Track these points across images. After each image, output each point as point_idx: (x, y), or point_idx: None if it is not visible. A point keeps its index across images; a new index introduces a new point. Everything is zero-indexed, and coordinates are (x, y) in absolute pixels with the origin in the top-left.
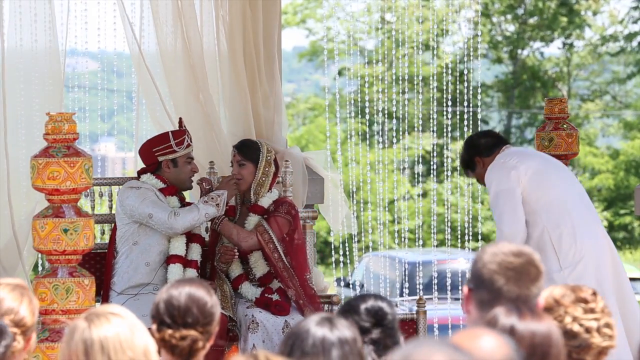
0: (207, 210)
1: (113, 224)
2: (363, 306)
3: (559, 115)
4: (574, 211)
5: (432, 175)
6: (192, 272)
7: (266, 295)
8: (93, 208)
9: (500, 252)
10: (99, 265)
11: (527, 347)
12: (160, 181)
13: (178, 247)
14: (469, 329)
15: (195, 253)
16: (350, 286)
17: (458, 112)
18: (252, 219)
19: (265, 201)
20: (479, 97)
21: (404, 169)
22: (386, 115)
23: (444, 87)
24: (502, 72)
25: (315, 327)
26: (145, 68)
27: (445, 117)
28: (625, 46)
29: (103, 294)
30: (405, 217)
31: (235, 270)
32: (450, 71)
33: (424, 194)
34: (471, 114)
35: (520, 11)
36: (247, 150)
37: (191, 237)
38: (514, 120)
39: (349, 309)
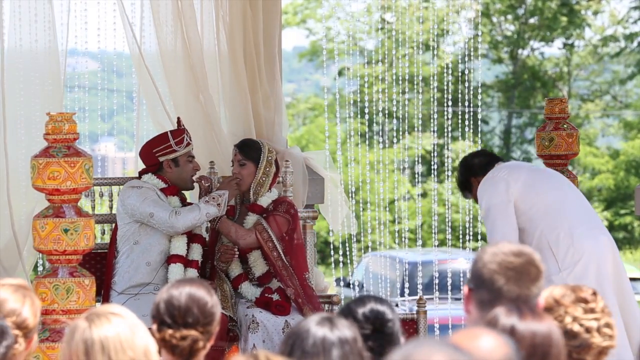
0: (208, 210)
1: (114, 224)
2: (362, 311)
3: (559, 115)
4: (570, 213)
5: (432, 175)
6: (193, 272)
7: (266, 295)
8: (93, 208)
9: (500, 252)
10: (100, 265)
11: (527, 347)
12: (161, 181)
13: (179, 247)
14: (468, 329)
15: (196, 253)
16: (350, 286)
17: (460, 113)
18: (251, 218)
19: (265, 200)
20: (479, 97)
21: (404, 169)
22: (386, 115)
23: (445, 87)
24: (502, 72)
25: (315, 326)
26: (145, 68)
27: (445, 117)
28: (625, 46)
29: (104, 293)
30: (406, 217)
31: (235, 270)
32: (450, 71)
33: (424, 194)
34: (471, 114)
35: (520, 11)
36: (248, 150)
37: (192, 237)
38: (514, 120)
39: (348, 314)
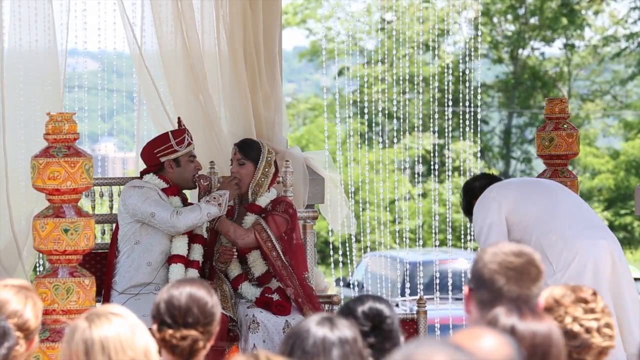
0: (209, 210)
1: (115, 224)
2: (361, 309)
3: (560, 115)
4: (562, 216)
5: (432, 175)
6: (193, 273)
7: (266, 295)
8: (93, 208)
9: (500, 252)
10: (100, 265)
11: (527, 347)
12: (162, 181)
13: (180, 247)
14: (470, 329)
15: (197, 254)
16: (350, 286)
17: (461, 113)
18: (250, 218)
19: (263, 200)
20: (479, 97)
21: (404, 169)
22: (386, 116)
23: (445, 87)
24: (502, 72)
25: (315, 326)
26: (145, 68)
27: (445, 117)
28: (626, 46)
29: (104, 293)
30: (406, 217)
31: (234, 270)
32: (451, 71)
33: (424, 194)
34: (472, 114)
35: (521, 11)
36: (248, 150)
37: (193, 237)
38: (515, 120)
39: (348, 312)
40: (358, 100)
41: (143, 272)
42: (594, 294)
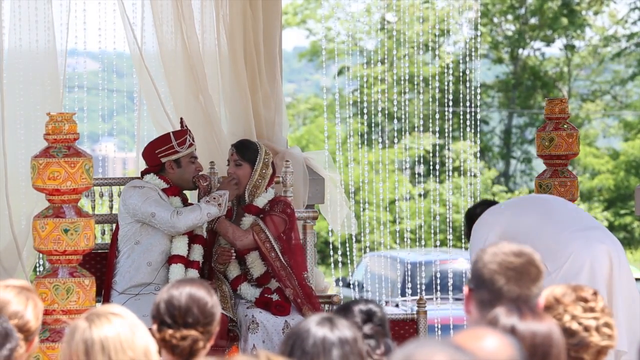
0: (209, 210)
1: (115, 224)
2: (357, 308)
3: (560, 115)
4: (558, 221)
5: (431, 175)
6: (193, 273)
7: (266, 295)
8: (93, 208)
9: (500, 252)
10: (100, 266)
11: (528, 347)
12: (163, 181)
13: (180, 247)
14: (472, 329)
15: (197, 254)
16: (350, 286)
17: (461, 113)
18: (248, 219)
19: (261, 201)
20: (478, 97)
21: (405, 169)
22: (386, 116)
23: (445, 88)
24: (502, 72)
25: (315, 327)
26: (145, 68)
27: (445, 117)
28: (627, 46)
29: (104, 293)
30: (407, 217)
31: (233, 271)
32: (451, 71)
33: (425, 194)
34: (472, 114)
35: (521, 11)
36: (245, 151)
37: (193, 238)
38: (515, 120)
39: (345, 309)
40: (358, 100)
41: (143, 272)
42: (595, 293)
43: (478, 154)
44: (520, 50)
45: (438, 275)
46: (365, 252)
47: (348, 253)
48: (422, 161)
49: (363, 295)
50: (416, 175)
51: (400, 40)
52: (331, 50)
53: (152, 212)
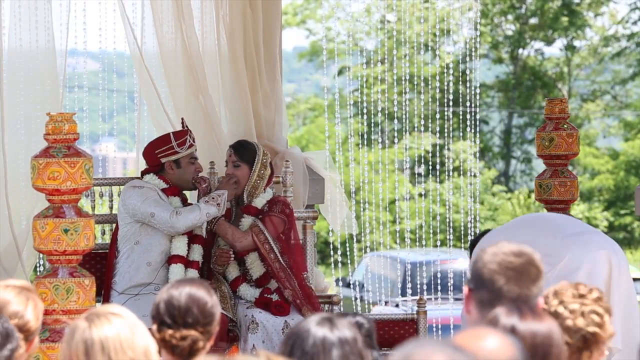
0: (208, 210)
1: (115, 224)
2: (345, 320)
3: (560, 115)
4: (551, 230)
5: (431, 175)
6: (193, 273)
7: (265, 295)
8: (93, 208)
9: (500, 252)
10: (100, 266)
11: (528, 347)
12: (162, 181)
13: (180, 247)
14: (473, 329)
15: (197, 254)
16: (350, 286)
17: (460, 113)
18: (246, 220)
19: (259, 202)
20: (478, 97)
21: (405, 169)
22: (386, 116)
23: (445, 87)
24: (502, 72)
25: (315, 327)
26: (145, 69)
27: (445, 117)
28: (627, 46)
29: (104, 293)
30: (407, 217)
31: (233, 272)
32: (451, 71)
33: (425, 194)
34: (473, 114)
35: (521, 11)
36: (243, 152)
37: (193, 238)
38: (515, 120)
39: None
40: (359, 100)
41: (143, 272)
42: (593, 289)
43: (478, 154)
44: (520, 50)
45: (438, 275)
46: (365, 252)
47: (348, 253)
48: (422, 161)
49: (363, 295)
50: (416, 175)
51: (400, 40)
52: (331, 50)
53: (151, 212)
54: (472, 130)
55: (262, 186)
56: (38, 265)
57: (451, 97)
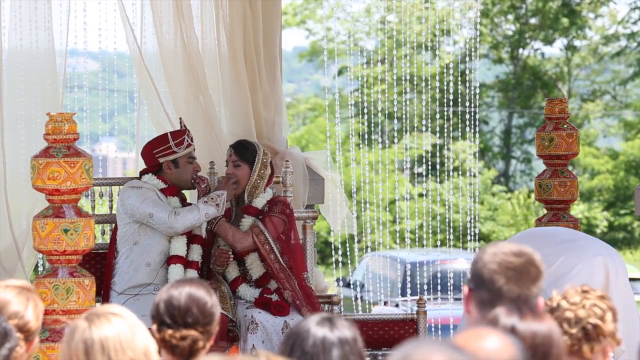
0: (207, 210)
1: (114, 224)
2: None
3: (560, 115)
4: (544, 240)
5: (431, 175)
6: (192, 273)
7: (265, 295)
8: (93, 208)
9: (500, 252)
10: (99, 266)
11: (528, 347)
12: (161, 181)
13: (179, 247)
14: (474, 329)
15: (196, 254)
16: (350, 286)
17: (460, 113)
18: (247, 221)
19: (259, 202)
20: (478, 97)
21: (405, 169)
22: (386, 115)
23: (445, 87)
24: (502, 72)
25: (315, 327)
26: (145, 69)
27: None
28: (627, 46)
29: (103, 293)
30: (407, 217)
31: (232, 272)
32: (451, 71)
33: (425, 194)
34: (472, 114)
35: (521, 11)
36: (243, 151)
37: (192, 238)
38: (515, 120)
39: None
40: (359, 100)
41: (142, 272)
42: (597, 289)
43: (477, 154)
44: (521, 50)
45: (438, 275)
46: (365, 252)
47: (348, 253)
48: (422, 161)
49: (363, 295)
50: (416, 175)
51: (400, 40)
52: (331, 50)
53: (149, 212)
54: (472, 130)
55: (263, 186)
56: (38, 265)
57: (451, 97)
